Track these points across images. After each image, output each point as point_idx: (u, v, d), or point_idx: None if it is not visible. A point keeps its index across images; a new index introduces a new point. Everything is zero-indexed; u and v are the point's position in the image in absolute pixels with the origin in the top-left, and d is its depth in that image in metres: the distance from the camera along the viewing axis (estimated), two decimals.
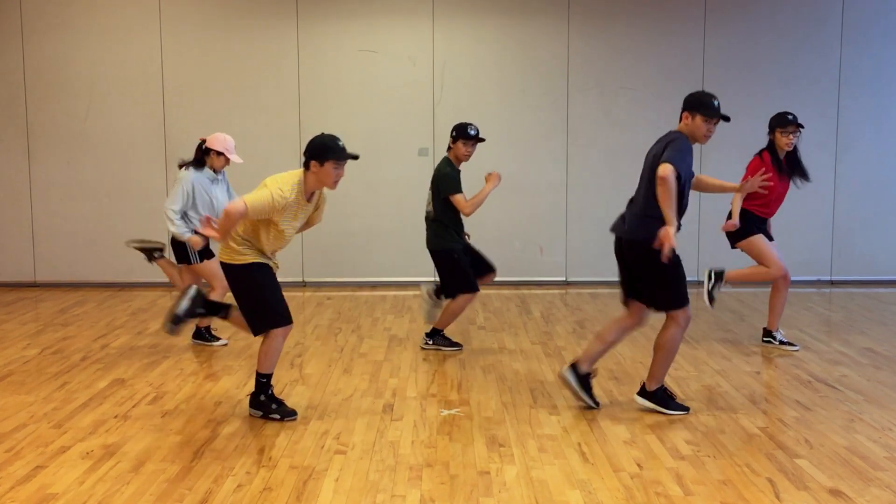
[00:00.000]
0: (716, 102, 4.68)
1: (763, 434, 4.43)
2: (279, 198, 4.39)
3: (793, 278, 8.82)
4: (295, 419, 4.68)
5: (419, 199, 8.87)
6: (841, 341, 6.48)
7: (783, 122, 6.07)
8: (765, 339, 6.36)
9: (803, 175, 6.19)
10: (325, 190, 4.74)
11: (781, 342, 6.27)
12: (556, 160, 8.98)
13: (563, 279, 9.04)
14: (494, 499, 3.65)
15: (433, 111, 8.90)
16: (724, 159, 8.86)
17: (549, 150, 8.96)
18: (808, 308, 7.78)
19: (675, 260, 4.59)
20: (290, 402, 4.96)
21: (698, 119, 4.66)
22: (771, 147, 6.15)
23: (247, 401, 5.01)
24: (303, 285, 8.86)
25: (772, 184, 5.94)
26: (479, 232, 8.88)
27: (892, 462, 4.03)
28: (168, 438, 4.39)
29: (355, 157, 4.59)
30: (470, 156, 6.10)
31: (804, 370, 5.66)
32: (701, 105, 4.66)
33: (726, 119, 4.67)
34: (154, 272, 8.96)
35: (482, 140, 6.08)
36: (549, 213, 9.03)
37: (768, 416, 4.73)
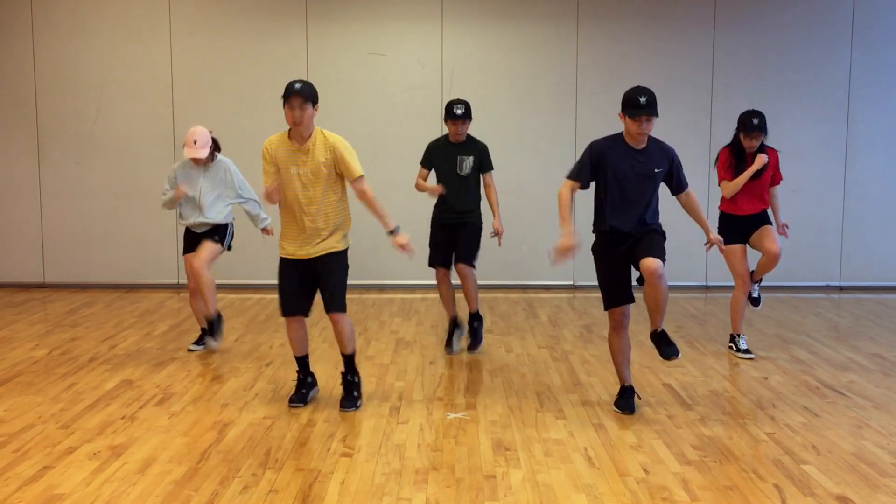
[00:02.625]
0: (642, 99, 4.62)
1: (770, 440, 4.41)
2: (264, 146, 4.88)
3: (802, 283, 8.92)
4: (298, 406, 4.92)
5: (426, 203, 8.86)
6: (849, 347, 6.45)
7: (747, 126, 5.95)
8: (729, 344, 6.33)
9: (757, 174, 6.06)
10: (338, 142, 4.82)
11: (740, 349, 6.20)
12: (564, 164, 8.86)
13: (571, 283, 9.02)
14: (500, 503, 3.65)
15: (442, 115, 8.88)
16: None
17: (558, 153, 8.94)
18: (816, 314, 7.75)
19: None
20: None
21: (626, 119, 4.74)
22: (736, 142, 6.09)
23: (254, 402, 5.03)
24: None
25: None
26: (486, 234, 8.89)
27: None
28: (175, 440, 4.40)
29: (292, 92, 4.72)
30: (458, 135, 6.19)
31: (812, 376, 5.64)
32: (625, 104, 4.73)
33: (653, 113, 4.66)
34: (161, 273, 9.02)
35: (465, 117, 6.15)
36: (557, 217, 8.99)
37: (776, 421, 4.71)
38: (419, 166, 6.40)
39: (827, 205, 8.99)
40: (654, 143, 4.83)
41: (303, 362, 5.06)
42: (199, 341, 6.30)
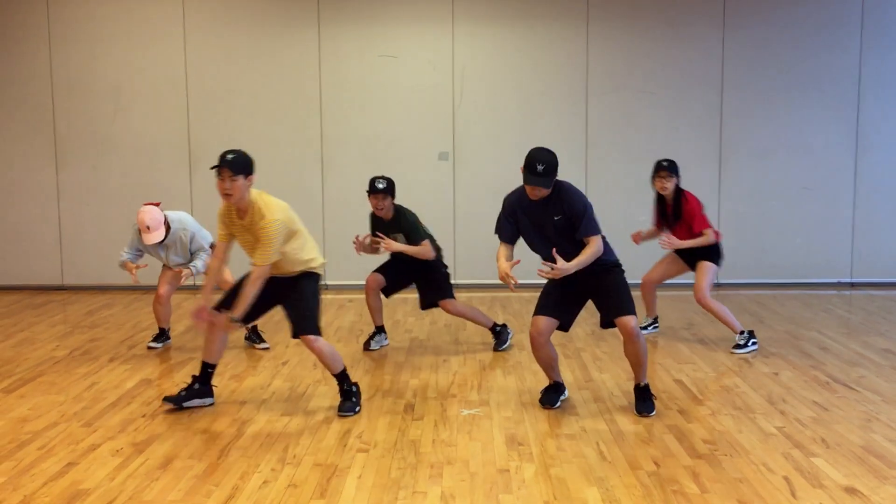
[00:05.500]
0: (539, 167, 4.60)
1: (780, 433, 4.47)
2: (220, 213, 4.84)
3: (813, 280, 8.96)
4: (168, 405, 4.93)
5: (440, 203, 8.97)
6: (860, 343, 6.49)
7: (655, 168, 6.30)
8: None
9: (674, 220, 6.30)
10: (271, 217, 4.68)
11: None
12: (575, 163, 9.03)
13: None
14: (514, 495, 3.73)
15: (453, 115, 8.98)
16: (744, 161, 8.91)
17: (568, 153, 8.99)
18: (827, 310, 7.79)
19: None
20: (313, 402, 5.08)
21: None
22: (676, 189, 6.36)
23: (271, 400, 5.13)
24: (325, 288, 8.97)
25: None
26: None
27: None
28: (195, 437, 4.50)
29: (221, 164, 4.62)
30: (383, 210, 6.11)
31: (822, 371, 5.69)
32: (524, 163, 4.67)
33: (546, 185, 4.64)
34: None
35: (384, 191, 6.06)
36: None
37: (785, 416, 4.77)
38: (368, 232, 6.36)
39: (838, 201, 9.03)
40: (558, 193, 4.77)
41: (206, 369, 5.02)
42: (158, 339, 6.52)
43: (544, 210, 4.77)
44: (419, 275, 6.34)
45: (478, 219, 8.91)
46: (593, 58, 8.93)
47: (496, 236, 4.97)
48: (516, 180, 8.44)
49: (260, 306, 4.90)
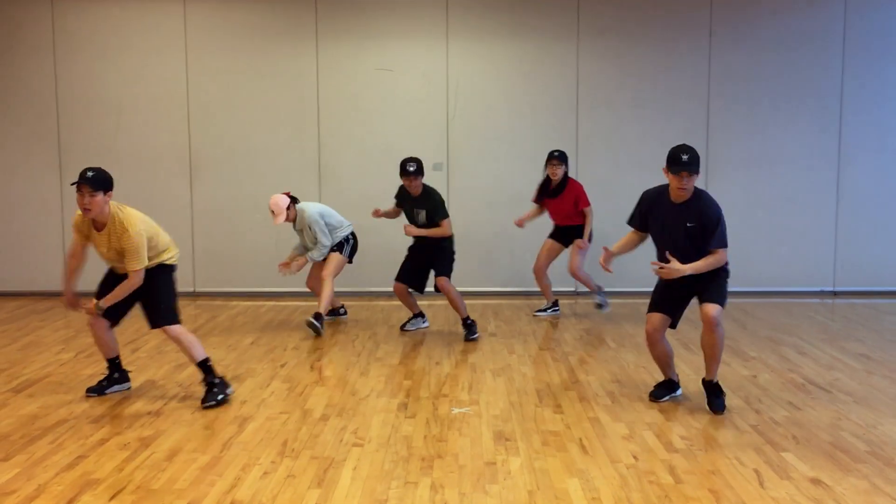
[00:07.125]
0: (684, 157, 4.80)
1: (754, 431, 4.71)
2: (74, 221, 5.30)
3: (796, 289, 9.22)
4: (92, 395, 5.41)
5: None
6: (837, 348, 6.74)
7: (548, 157, 7.82)
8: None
9: (553, 196, 7.88)
10: (134, 230, 5.13)
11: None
12: None
13: (573, 290, 9.32)
14: (499, 485, 3.96)
15: (447, 127, 9.24)
16: (731, 173, 9.16)
17: None
18: (809, 317, 8.03)
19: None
20: (310, 402, 5.31)
21: (668, 174, 4.93)
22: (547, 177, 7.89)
23: (270, 399, 5.36)
24: None
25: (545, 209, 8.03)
26: (492, 242, 9.22)
27: (872, 455, 4.32)
28: (198, 432, 4.73)
29: (81, 181, 5.03)
30: (413, 188, 7.11)
31: (799, 374, 5.94)
32: (667, 159, 4.89)
33: (694, 171, 4.81)
34: (179, 282, 9.32)
35: (419, 173, 7.04)
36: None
37: (760, 415, 5.01)
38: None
39: (820, 212, 9.29)
40: (697, 200, 4.97)
41: (114, 362, 5.53)
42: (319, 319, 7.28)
43: (680, 215, 4.96)
44: (432, 257, 7.14)
45: (471, 228, 9.15)
46: (583, 72, 9.20)
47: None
48: (509, 189, 8.72)
49: (124, 305, 5.37)
